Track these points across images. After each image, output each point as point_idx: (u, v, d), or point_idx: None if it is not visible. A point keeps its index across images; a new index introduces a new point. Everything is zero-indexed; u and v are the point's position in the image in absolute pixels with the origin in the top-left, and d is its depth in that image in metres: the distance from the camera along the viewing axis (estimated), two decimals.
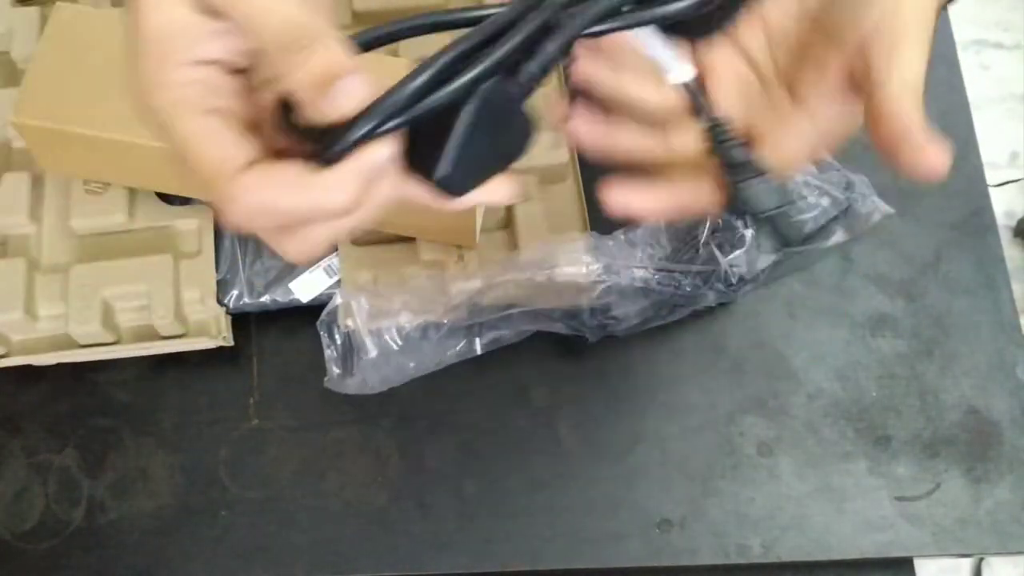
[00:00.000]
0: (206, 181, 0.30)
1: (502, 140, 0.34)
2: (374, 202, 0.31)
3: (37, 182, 0.66)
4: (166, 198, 0.65)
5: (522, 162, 0.64)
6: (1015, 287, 0.67)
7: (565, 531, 0.61)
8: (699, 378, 0.64)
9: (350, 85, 0.29)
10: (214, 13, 0.30)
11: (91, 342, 0.63)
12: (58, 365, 0.64)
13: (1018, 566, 1.27)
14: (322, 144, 0.30)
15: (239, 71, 0.32)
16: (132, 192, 0.65)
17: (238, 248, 0.65)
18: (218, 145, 0.30)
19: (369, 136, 0.30)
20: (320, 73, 0.29)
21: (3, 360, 0.63)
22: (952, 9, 0.75)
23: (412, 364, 0.61)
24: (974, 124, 0.71)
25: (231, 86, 0.32)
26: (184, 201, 0.65)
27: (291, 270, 0.64)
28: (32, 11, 0.69)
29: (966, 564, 1.27)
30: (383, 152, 0.30)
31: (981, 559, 1.25)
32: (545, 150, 0.65)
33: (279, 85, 0.31)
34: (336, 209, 0.30)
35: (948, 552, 0.61)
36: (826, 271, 0.67)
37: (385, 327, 0.61)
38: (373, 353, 0.60)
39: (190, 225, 0.65)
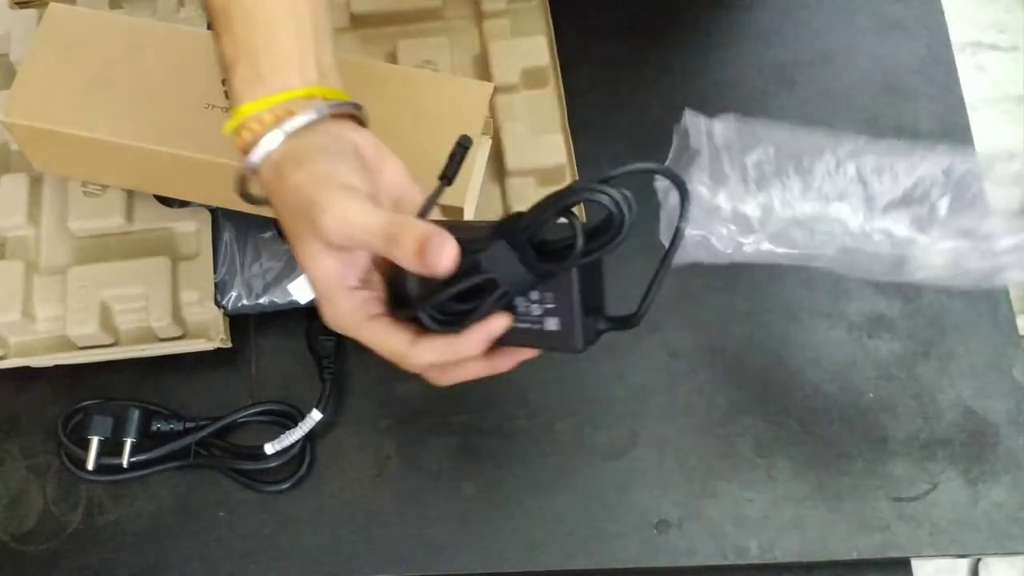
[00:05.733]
0: (393, 359, 0.46)
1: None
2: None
3: (35, 184, 0.66)
4: (164, 200, 0.65)
5: (521, 163, 0.65)
6: (1011, 288, 0.67)
7: (563, 532, 0.61)
8: (697, 379, 0.64)
9: (438, 244, 0.42)
10: (340, 249, 0.45)
11: (89, 344, 0.63)
12: (56, 367, 0.64)
13: (1015, 566, 1.27)
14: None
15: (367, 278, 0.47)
16: (130, 194, 0.65)
17: (236, 250, 0.65)
18: (389, 339, 0.46)
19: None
20: (415, 244, 0.42)
21: (1, 362, 0.63)
22: (948, 11, 0.75)
23: None
24: (971, 125, 0.71)
25: (371, 293, 0.47)
26: (182, 204, 0.65)
27: (289, 272, 0.64)
28: (31, 13, 0.69)
29: (963, 564, 1.27)
30: (502, 323, 0.45)
31: (978, 559, 1.25)
32: (544, 151, 0.65)
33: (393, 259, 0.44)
34: (474, 357, 0.46)
35: (945, 552, 0.61)
36: (823, 272, 0.67)
37: None
38: None
39: (188, 227, 0.65)
